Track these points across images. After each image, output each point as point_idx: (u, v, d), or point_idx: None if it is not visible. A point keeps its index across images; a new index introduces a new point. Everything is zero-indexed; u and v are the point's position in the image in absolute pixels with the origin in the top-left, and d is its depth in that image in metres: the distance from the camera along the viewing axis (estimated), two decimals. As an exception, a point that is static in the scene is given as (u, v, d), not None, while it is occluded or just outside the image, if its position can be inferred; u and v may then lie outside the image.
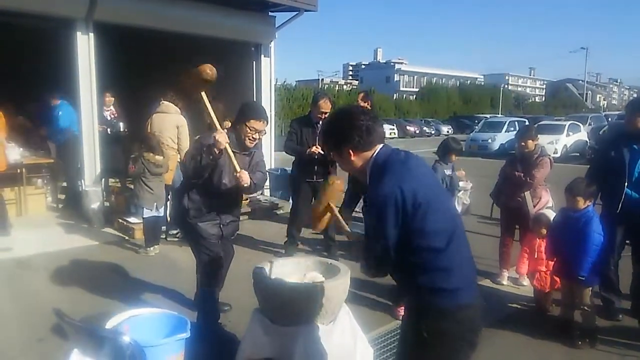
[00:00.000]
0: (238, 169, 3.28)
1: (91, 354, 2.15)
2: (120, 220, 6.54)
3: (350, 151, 2.00)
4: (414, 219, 1.81)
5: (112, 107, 8.00)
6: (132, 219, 6.31)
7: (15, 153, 6.58)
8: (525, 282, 4.67)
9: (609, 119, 23.01)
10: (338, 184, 2.39)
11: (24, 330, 3.71)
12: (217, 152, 3.18)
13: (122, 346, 1.96)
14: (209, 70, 3.15)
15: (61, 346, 2.99)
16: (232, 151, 3.31)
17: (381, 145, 2.03)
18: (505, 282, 4.82)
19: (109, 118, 7.72)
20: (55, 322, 3.11)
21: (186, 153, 3.56)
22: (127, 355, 1.96)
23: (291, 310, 2.65)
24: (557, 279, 3.99)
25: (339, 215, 2.32)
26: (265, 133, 3.55)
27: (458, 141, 4.88)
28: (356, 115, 2.02)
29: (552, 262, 3.94)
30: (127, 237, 6.26)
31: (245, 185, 3.32)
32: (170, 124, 5.98)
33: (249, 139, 3.38)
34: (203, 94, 3.25)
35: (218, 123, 3.25)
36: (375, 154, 2.00)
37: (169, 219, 5.85)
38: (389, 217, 1.81)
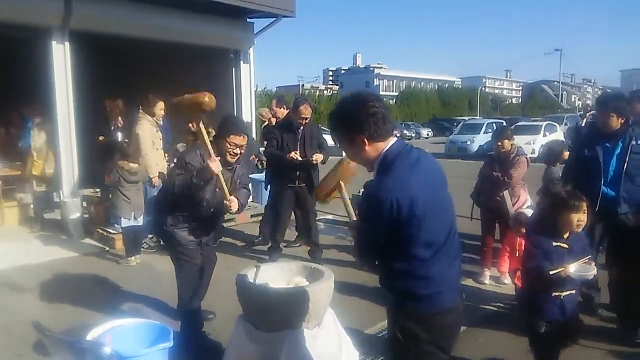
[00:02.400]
0: (229, 197, 3.26)
1: (72, 366, 2.11)
2: (100, 231, 6.44)
3: (365, 140, 1.88)
4: (407, 228, 1.79)
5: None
6: (111, 230, 6.22)
7: None
8: (507, 280, 4.73)
9: (589, 119, 23.46)
10: (352, 165, 2.37)
11: (3, 345, 3.62)
12: (207, 178, 3.16)
13: (103, 357, 1.94)
14: (207, 99, 3.06)
15: (41, 360, 2.93)
16: None
17: (395, 139, 1.93)
18: (487, 281, 4.88)
19: (112, 128, 7.15)
20: (34, 336, 3.05)
21: (169, 171, 3.49)
22: (109, 367, 1.94)
23: (276, 316, 2.64)
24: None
25: (346, 196, 2.36)
26: (247, 148, 3.52)
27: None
28: (371, 102, 1.89)
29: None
30: (107, 248, 6.16)
31: (233, 211, 3.32)
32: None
33: (230, 154, 3.34)
34: (201, 124, 3.18)
35: (212, 150, 3.18)
36: (387, 149, 1.89)
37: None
38: (378, 221, 1.81)
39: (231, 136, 3.29)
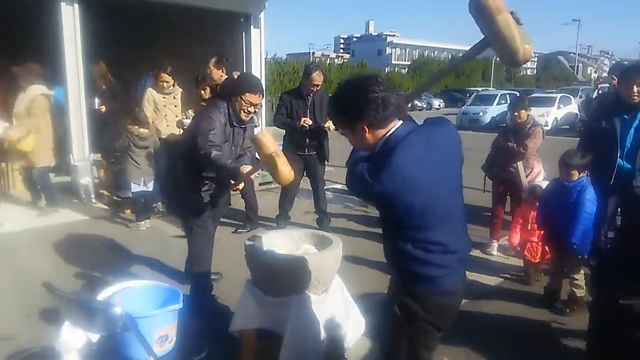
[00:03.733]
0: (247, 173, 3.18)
1: (83, 326, 2.15)
2: (110, 195, 6.49)
3: (366, 127, 1.81)
4: (407, 216, 1.77)
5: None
6: (121, 194, 6.26)
7: (2, 127, 6.44)
8: (515, 252, 4.72)
9: (600, 91, 23.00)
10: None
11: (16, 305, 3.70)
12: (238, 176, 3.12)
13: (114, 317, 1.96)
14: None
15: (53, 319, 2.99)
16: (233, 125, 3.33)
17: (399, 123, 1.83)
18: (494, 252, 4.88)
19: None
20: (46, 296, 3.10)
21: (200, 132, 3.25)
22: (119, 327, 1.97)
23: (283, 282, 2.65)
24: (548, 250, 4.04)
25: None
26: (261, 107, 3.48)
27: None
28: (369, 87, 1.79)
29: (542, 232, 3.97)
30: (117, 212, 6.22)
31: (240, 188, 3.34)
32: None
33: (244, 113, 3.31)
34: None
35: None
36: (389, 134, 1.82)
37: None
38: (370, 202, 1.88)
39: (246, 94, 3.26)
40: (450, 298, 1.92)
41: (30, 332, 3.25)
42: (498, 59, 2.11)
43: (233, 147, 3.37)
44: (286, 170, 2.66)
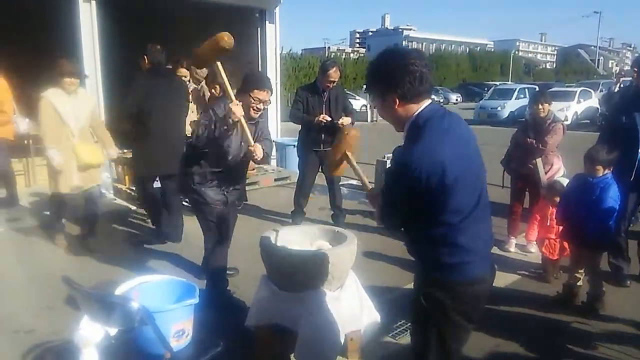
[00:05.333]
0: (252, 142, 3.25)
1: (101, 319, 2.18)
2: (128, 190, 6.57)
3: (397, 99, 1.78)
4: (437, 195, 1.71)
5: None
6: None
7: (23, 124, 6.56)
8: (533, 249, 4.67)
9: (621, 85, 22.53)
10: (353, 133, 2.37)
11: (35, 298, 3.78)
12: (231, 123, 3.16)
13: (131, 312, 1.98)
14: (227, 38, 3.04)
15: (72, 313, 3.04)
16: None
17: (429, 102, 1.82)
18: (512, 249, 4.82)
19: None
20: (65, 290, 3.15)
21: (197, 122, 3.52)
22: (136, 321, 1.99)
23: (298, 277, 2.65)
24: (566, 247, 3.97)
25: (355, 164, 2.34)
26: (270, 103, 3.50)
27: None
28: (412, 59, 1.76)
29: (561, 228, 3.91)
30: (134, 207, 6.29)
31: (257, 158, 3.30)
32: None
33: (254, 109, 3.33)
34: (219, 63, 3.16)
35: (232, 94, 3.19)
36: (420, 111, 1.79)
37: None
38: (403, 185, 1.75)
39: (255, 91, 3.27)
40: (479, 286, 1.85)
41: (49, 325, 3.31)
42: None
43: (242, 143, 3.37)
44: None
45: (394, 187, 1.83)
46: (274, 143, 8.68)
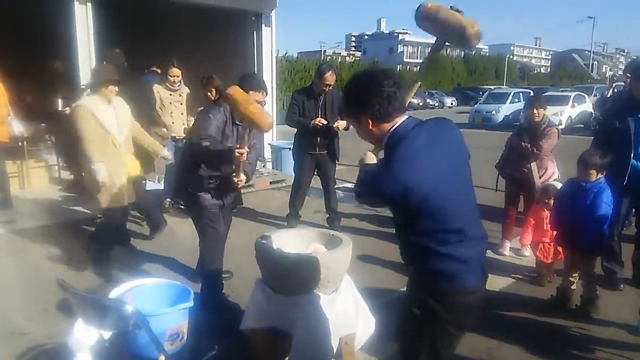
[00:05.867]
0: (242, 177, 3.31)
1: (95, 323, 2.17)
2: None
3: (369, 120, 1.85)
4: (421, 206, 1.73)
5: None
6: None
7: (17, 125, 6.54)
8: (527, 252, 4.68)
9: (615, 90, 22.68)
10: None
11: (29, 300, 3.76)
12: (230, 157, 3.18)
13: (125, 315, 1.97)
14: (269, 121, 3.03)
15: (66, 316, 3.03)
16: (235, 124, 3.33)
17: (404, 118, 1.86)
18: (506, 252, 4.84)
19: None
20: (59, 293, 3.14)
21: (194, 128, 3.48)
22: (130, 324, 1.98)
23: (293, 281, 2.65)
24: (560, 250, 3.99)
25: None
26: (265, 104, 3.51)
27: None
28: (379, 80, 1.83)
29: (555, 233, 3.93)
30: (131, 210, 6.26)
31: (240, 183, 3.36)
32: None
33: None
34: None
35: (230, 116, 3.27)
36: (394, 128, 1.84)
37: None
38: (384, 199, 1.84)
39: (250, 92, 3.27)
40: (473, 296, 1.86)
41: (43, 328, 3.30)
42: (452, 45, 2.40)
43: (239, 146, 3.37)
44: (264, 115, 2.75)
45: (374, 198, 1.92)
46: (269, 146, 8.75)
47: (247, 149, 3.22)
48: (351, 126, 5.29)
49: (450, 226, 1.78)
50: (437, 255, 1.79)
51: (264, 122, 2.94)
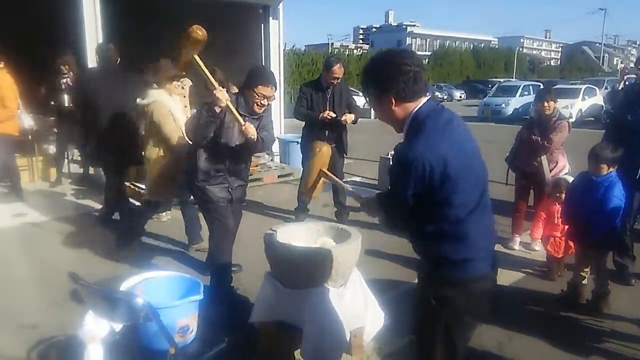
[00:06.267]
0: (242, 121, 3.26)
1: (106, 315, 2.18)
2: (132, 187, 6.57)
3: (393, 99, 1.81)
4: (440, 189, 1.72)
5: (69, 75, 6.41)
6: (143, 185, 6.33)
7: (27, 119, 6.58)
8: (537, 247, 4.65)
9: (626, 83, 22.43)
10: (325, 150, 2.46)
11: (40, 293, 3.79)
12: (217, 109, 3.17)
13: (136, 308, 1.98)
14: (199, 31, 3.06)
15: (77, 308, 3.05)
16: (241, 115, 3.29)
17: (426, 99, 1.84)
18: (517, 247, 4.81)
19: (63, 87, 6.31)
20: (70, 285, 3.16)
21: (189, 119, 3.53)
22: (141, 317, 1.99)
23: (302, 274, 2.65)
24: (571, 245, 3.96)
25: (334, 177, 2.39)
26: (274, 99, 3.50)
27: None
28: (404, 59, 1.80)
29: (566, 227, 3.89)
30: (139, 203, 6.30)
31: (252, 137, 3.31)
32: None
33: (257, 105, 3.34)
34: (195, 56, 3.18)
35: (215, 82, 3.22)
36: (418, 108, 1.82)
37: None
38: (408, 181, 1.74)
39: (259, 86, 3.27)
40: (485, 282, 1.87)
41: (54, 320, 3.32)
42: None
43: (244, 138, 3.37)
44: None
45: (398, 184, 1.82)
46: (277, 139, 8.74)
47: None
48: (359, 120, 5.35)
49: (466, 212, 1.78)
50: (451, 240, 1.80)
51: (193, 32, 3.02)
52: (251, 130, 3.28)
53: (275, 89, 3.42)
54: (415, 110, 1.82)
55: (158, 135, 4.14)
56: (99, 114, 4.77)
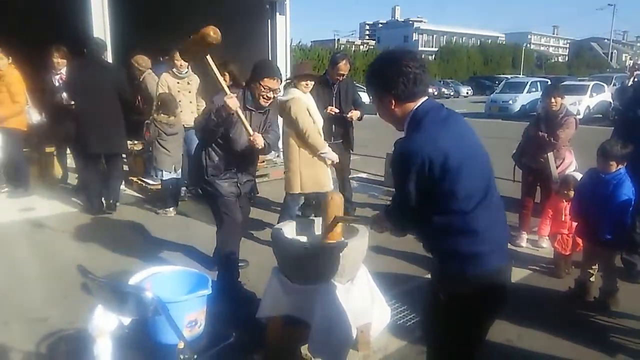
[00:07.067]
0: (251, 132, 3.29)
1: (115, 309, 2.20)
2: (139, 182, 6.61)
3: (393, 100, 1.86)
4: (443, 181, 1.72)
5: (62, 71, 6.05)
6: (150, 181, 6.37)
7: (35, 114, 6.61)
8: (545, 244, 4.63)
9: (635, 79, 22.20)
10: (337, 199, 2.52)
11: (49, 287, 3.82)
12: (224, 115, 3.18)
13: (145, 302, 1.99)
14: (213, 33, 3.05)
15: (86, 302, 3.06)
16: (248, 109, 3.31)
17: (425, 98, 1.87)
18: (524, 244, 4.79)
19: (57, 84, 6.03)
20: (78, 280, 3.19)
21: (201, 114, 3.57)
22: (150, 311, 2.00)
23: (309, 270, 2.66)
24: (579, 242, 3.94)
25: (349, 218, 2.44)
26: (280, 92, 3.51)
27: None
28: (405, 61, 1.83)
29: (575, 224, 3.87)
30: (146, 198, 6.33)
31: (259, 147, 3.34)
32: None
33: (264, 98, 3.36)
34: (208, 57, 3.18)
35: (226, 87, 3.23)
36: (416, 107, 1.85)
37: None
38: (409, 175, 1.75)
39: (265, 79, 3.28)
40: (497, 276, 1.86)
41: (63, 314, 3.35)
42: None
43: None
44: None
45: (400, 179, 1.83)
46: (280, 133, 8.73)
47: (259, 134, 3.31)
48: (365, 116, 5.33)
49: (472, 204, 1.77)
50: (460, 234, 1.79)
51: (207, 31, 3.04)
52: (259, 140, 3.31)
53: (281, 81, 3.44)
54: (415, 108, 1.86)
55: (296, 128, 4.34)
56: (79, 105, 5.37)
